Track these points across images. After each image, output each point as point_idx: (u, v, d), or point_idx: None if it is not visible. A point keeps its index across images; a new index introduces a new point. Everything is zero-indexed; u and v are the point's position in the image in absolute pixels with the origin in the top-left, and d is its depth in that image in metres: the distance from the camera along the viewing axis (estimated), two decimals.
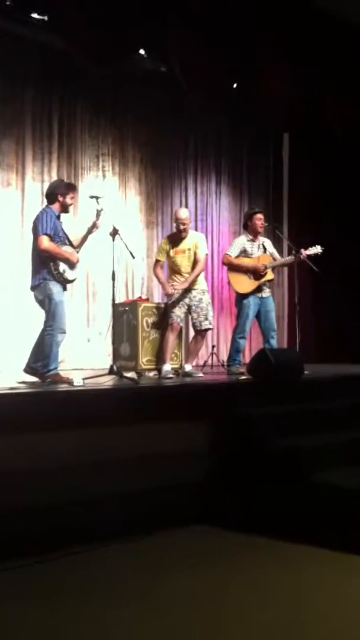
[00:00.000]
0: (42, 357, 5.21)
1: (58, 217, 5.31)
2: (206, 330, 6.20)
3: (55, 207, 5.32)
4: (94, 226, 5.45)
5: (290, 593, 2.98)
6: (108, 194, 7.85)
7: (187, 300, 6.09)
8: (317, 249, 6.44)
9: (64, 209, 5.38)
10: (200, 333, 6.20)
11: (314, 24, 7.78)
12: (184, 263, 6.12)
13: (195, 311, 6.12)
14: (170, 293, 6.06)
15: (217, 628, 2.61)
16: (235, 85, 8.69)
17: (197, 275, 6.10)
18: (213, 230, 9.64)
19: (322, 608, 2.81)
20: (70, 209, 5.56)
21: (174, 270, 6.20)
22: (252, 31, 7.64)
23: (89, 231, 5.47)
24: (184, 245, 6.13)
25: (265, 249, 6.53)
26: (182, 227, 6.10)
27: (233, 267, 6.42)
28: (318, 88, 8.50)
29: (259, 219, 6.50)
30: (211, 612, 2.77)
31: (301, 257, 6.41)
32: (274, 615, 2.73)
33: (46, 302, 5.19)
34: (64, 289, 5.31)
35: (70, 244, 5.34)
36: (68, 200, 5.36)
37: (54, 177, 7.85)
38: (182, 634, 2.55)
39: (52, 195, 5.38)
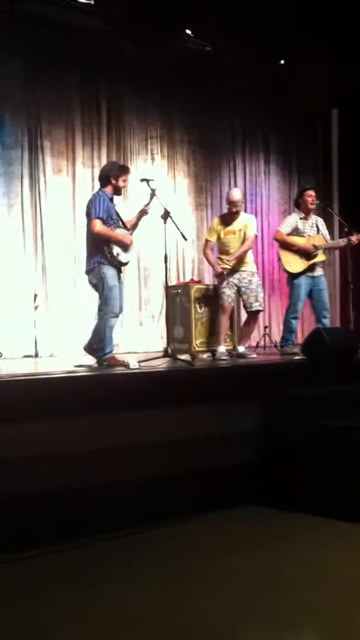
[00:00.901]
0: (96, 340, 5.30)
1: (111, 200, 5.34)
2: (257, 311, 6.17)
3: (109, 189, 5.34)
4: (144, 211, 5.47)
5: (343, 571, 2.99)
6: (157, 177, 7.87)
7: (236, 281, 6.08)
8: None
9: (117, 191, 5.39)
10: (252, 314, 6.19)
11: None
12: (233, 244, 6.11)
13: (245, 292, 6.10)
14: (220, 272, 6.06)
15: (269, 608, 2.63)
16: (282, 62, 8.64)
17: (245, 252, 6.08)
18: (262, 210, 9.59)
19: None
20: (123, 191, 5.57)
21: (223, 251, 6.19)
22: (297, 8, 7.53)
23: (141, 214, 5.49)
24: (234, 226, 6.12)
25: (318, 229, 6.47)
26: (235, 209, 6.09)
27: (284, 245, 6.37)
28: None
29: (310, 196, 6.43)
30: (263, 591, 2.79)
31: (353, 242, 6.32)
32: (327, 593, 2.74)
33: (100, 286, 5.24)
34: (119, 272, 5.33)
35: (125, 227, 5.37)
36: (121, 182, 5.36)
37: (104, 162, 7.89)
38: (233, 614, 2.58)
39: (105, 178, 5.40)
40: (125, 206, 7.13)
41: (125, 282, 7.67)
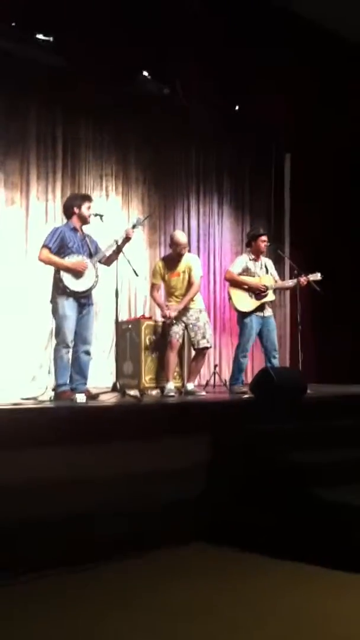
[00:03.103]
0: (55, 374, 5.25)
1: (74, 230, 5.34)
2: (204, 348, 6.18)
3: (74, 220, 5.38)
4: (126, 238, 5.46)
5: (289, 612, 2.95)
6: (111, 213, 7.90)
7: (184, 318, 6.09)
8: (316, 276, 6.46)
9: (83, 220, 5.39)
10: (200, 352, 6.18)
11: (314, 45, 7.91)
12: (179, 285, 6.14)
13: (193, 330, 6.11)
14: (168, 316, 6.06)
15: None
16: (237, 108, 8.86)
17: (192, 297, 6.10)
18: (215, 250, 9.68)
19: (322, 627, 2.79)
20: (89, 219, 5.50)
21: (170, 292, 6.22)
22: (252, 56, 7.77)
23: (123, 243, 5.46)
24: (179, 268, 6.14)
25: (267, 269, 6.57)
26: (182, 251, 6.11)
27: (235, 284, 6.44)
28: (320, 108, 8.63)
29: (263, 241, 6.55)
30: (206, 629, 2.75)
31: (302, 282, 6.43)
32: (272, 632, 2.71)
33: (54, 316, 5.22)
34: (78, 303, 5.25)
35: (90, 256, 5.33)
36: (84, 210, 5.37)
37: (58, 196, 7.91)
38: None
39: (68, 209, 5.45)
40: None
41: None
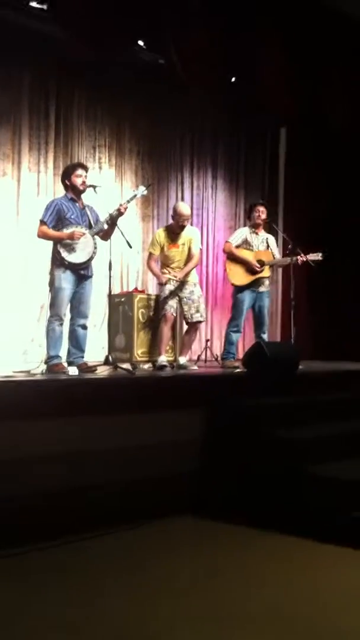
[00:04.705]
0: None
1: (72, 200, 5.29)
2: (198, 322, 6.16)
3: (68, 192, 5.32)
4: (119, 213, 5.34)
5: (279, 583, 2.98)
6: (104, 185, 7.81)
7: (178, 292, 6.07)
8: (317, 256, 6.39)
9: (75, 190, 5.31)
10: (193, 326, 6.17)
11: (312, 19, 7.81)
12: (177, 257, 6.11)
13: (187, 303, 6.09)
14: (166, 281, 6.02)
15: (204, 616, 2.60)
16: (233, 79, 8.74)
17: (192, 269, 6.09)
18: (209, 225, 9.60)
19: (311, 599, 2.81)
20: (82, 187, 5.39)
21: (167, 264, 6.17)
22: (250, 26, 7.66)
23: (116, 218, 5.35)
24: (179, 240, 6.11)
25: (268, 245, 6.54)
26: (184, 223, 6.07)
27: (232, 257, 6.42)
28: (316, 83, 8.54)
29: (258, 211, 6.53)
30: (199, 600, 2.76)
31: (300, 261, 6.38)
32: (262, 604, 2.73)
33: (50, 288, 5.20)
34: (77, 275, 5.21)
35: (90, 226, 5.27)
36: (75, 179, 5.29)
37: (50, 168, 7.82)
38: (169, 622, 2.54)
39: (63, 183, 5.40)
40: None
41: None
